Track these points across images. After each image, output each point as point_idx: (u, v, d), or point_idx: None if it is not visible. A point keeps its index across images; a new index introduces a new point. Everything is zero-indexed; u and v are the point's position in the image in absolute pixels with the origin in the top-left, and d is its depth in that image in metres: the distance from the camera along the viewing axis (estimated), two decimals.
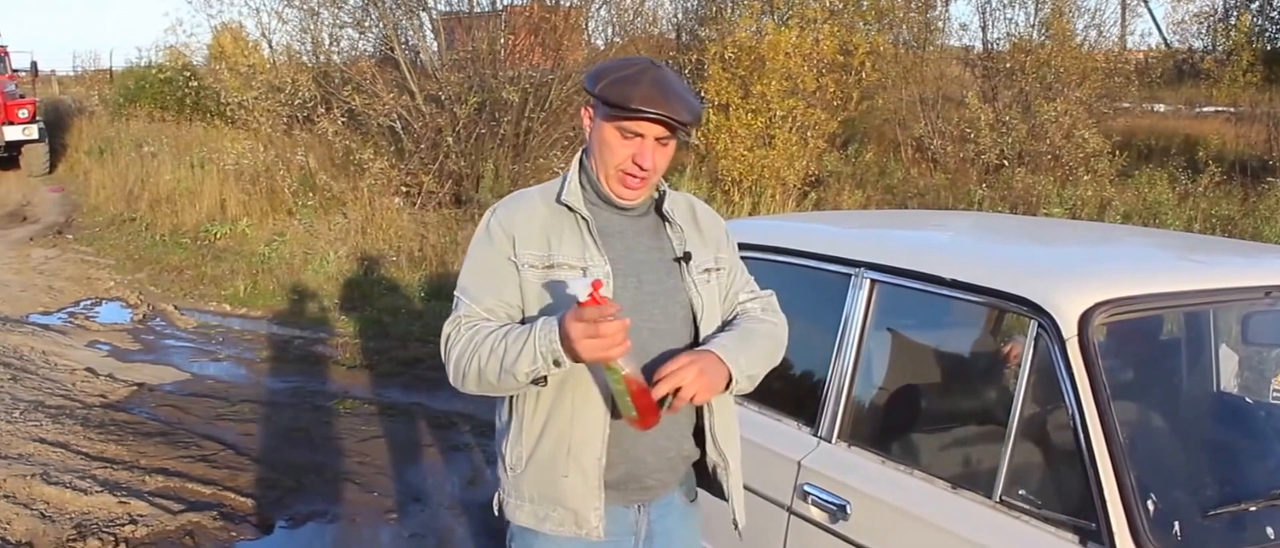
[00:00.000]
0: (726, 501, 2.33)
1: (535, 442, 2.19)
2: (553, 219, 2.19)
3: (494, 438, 2.40)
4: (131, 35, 76.12)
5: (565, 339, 1.96)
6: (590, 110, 2.20)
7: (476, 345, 2.10)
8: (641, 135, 2.13)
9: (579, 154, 2.27)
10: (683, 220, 2.29)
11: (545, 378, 2.06)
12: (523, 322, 2.16)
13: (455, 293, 2.23)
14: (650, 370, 2.09)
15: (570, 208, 2.19)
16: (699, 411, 2.26)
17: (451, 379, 2.18)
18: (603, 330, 1.91)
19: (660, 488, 2.29)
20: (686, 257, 2.24)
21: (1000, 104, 13.29)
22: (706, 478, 2.35)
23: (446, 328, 2.19)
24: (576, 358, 1.97)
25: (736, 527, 2.37)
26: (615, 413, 2.12)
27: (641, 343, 2.13)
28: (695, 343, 2.23)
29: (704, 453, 2.29)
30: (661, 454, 2.23)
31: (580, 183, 2.23)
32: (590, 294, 1.91)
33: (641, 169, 2.14)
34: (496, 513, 2.34)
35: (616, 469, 2.18)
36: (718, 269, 2.32)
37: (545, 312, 2.13)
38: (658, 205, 2.28)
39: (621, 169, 2.15)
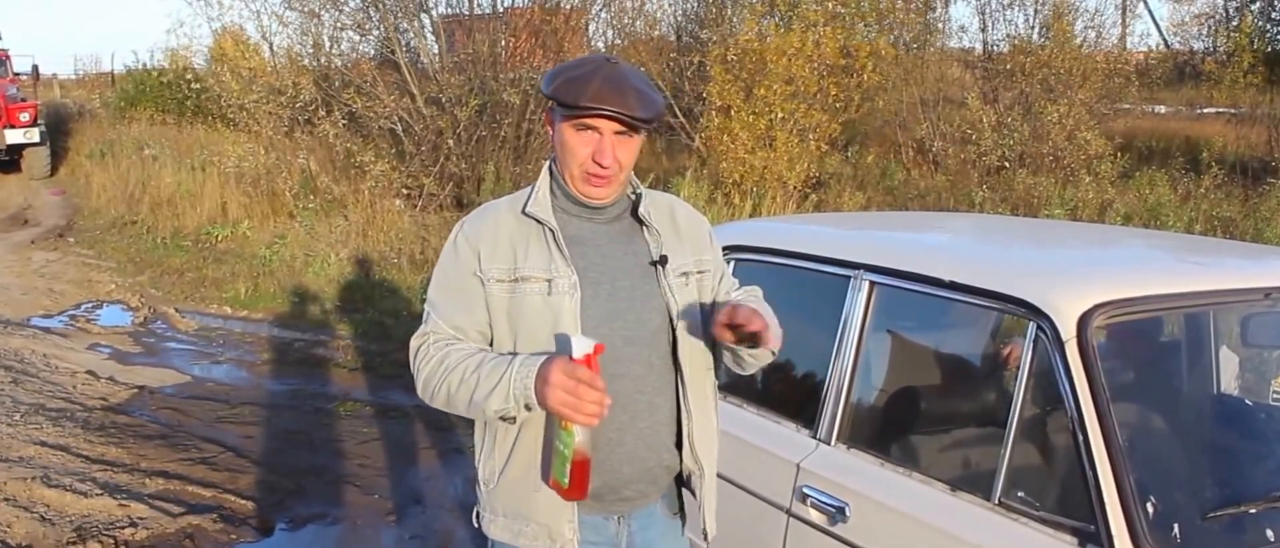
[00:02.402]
0: (700, 509, 2.30)
1: (507, 457, 2.16)
2: (520, 230, 2.15)
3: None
4: (133, 38, 76.24)
5: (541, 381, 1.92)
6: (550, 114, 2.16)
7: (448, 370, 2.07)
8: (598, 131, 2.08)
9: (548, 162, 2.23)
10: (660, 223, 2.23)
11: (514, 417, 2.04)
12: (492, 340, 2.14)
13: (425, 305, 2.21)
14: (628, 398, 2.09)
15: (537, 219, 2.14)
16: (678, 419, 2.22)
17: (419, 393, 2.15)
18: (583, 395, 1.88)
19: (640, 499, 2.24)
20: (663, 260, 2.19)
21: (1001, 105, 13.28)
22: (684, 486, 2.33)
23: (414, 342, 2.17)
24: (543, 404, 1.94)
25: (706, 537, 2.34)
26: (543, 473, 2.11)
27: (614, 351, 2.09)
28: (673, 349, 2.18)
29: (680, 461, 2.25)
30: (640, 465, 2.19)
31: (551, 191, 2.18)
32: (588, 355, 1.88)
33: (602, 167, 2.09)
34: (476, 526, 2.31)
35: (592, 482, 2.11)
36: (701, 273, 2.26)
37: (512, 326, 2.11)
38: (634, 208, 2.22)
39: (584, 169, 2.11)
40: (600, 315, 2.11)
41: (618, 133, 2.08)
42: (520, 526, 2.18)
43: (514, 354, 2.06)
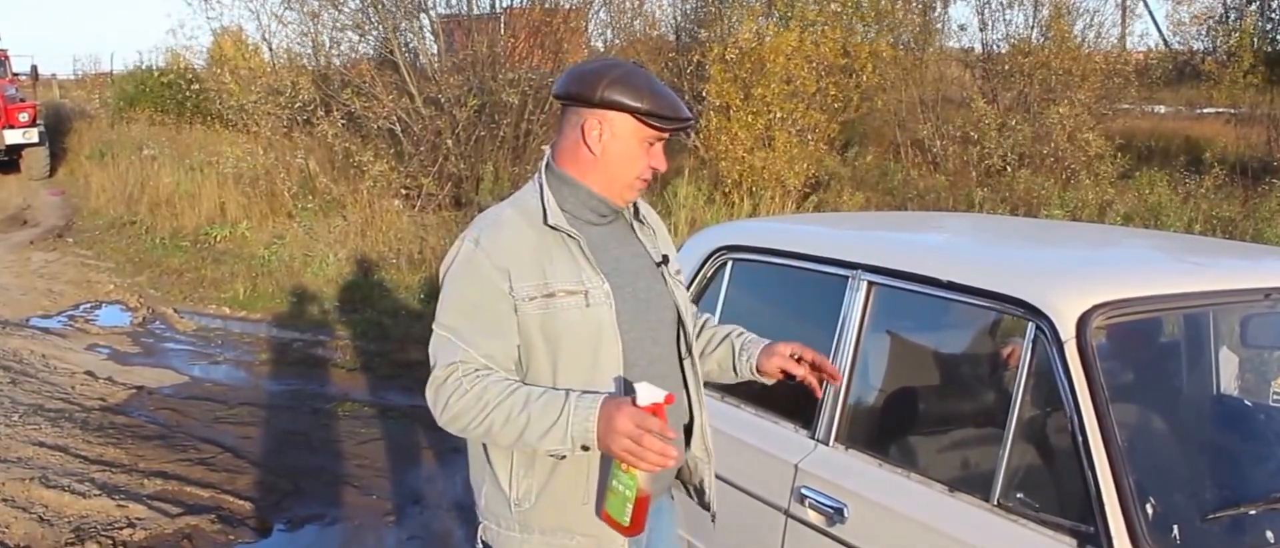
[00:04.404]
0: (704, 495, 2.34)
1: (549, 474, 2.10)
2: (541, 243, 2.08)
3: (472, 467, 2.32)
4: (132, 38, 76.31)
5: (605, 424, 1.90)
6: (600, 122, 2.10)
7: (487, 406, 1.99)
8: (663, 140, 2.16)
9: (544, 167, 2.19)
10: (654, 223, 2.31)
11: (565, 455, 2.01)
12: (524, 363, 2.10)
13: (440, 331, 2.08)
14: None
15: (558, 229, 2.10)
16: (690, 410, 2.27)
17: (441, 422, 2.06)
18: (650, 446, 1.86)
19: (659, 494, 2.29)
20: (665, 260, 2.25)
21: (1000, 106, 13.26)
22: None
23: (439, 372, 2.05)
24: (604, 446, 1.92)
25: (713, 519, 2.37)
26: (597, 508, 2.08)
27: (645, 352, 2.15)
28: (680, 347, 2.25)
29: (687, 452, 2.30)
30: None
31: (558, 198, 2.14)
32: (657, 405, 1.87)
33: (657, 173, 2.18)
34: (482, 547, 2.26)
35: None
36: (681, 269, 2.35)
37: (550, 345, 2.06)
38: (634, 210, 2.27)
39: (640, 177, 2.16)
40: (631, 319, 2.13)
41: None
42: (563, 540, 2.13)
43: (558, 389, 2.02)
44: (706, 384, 2.37)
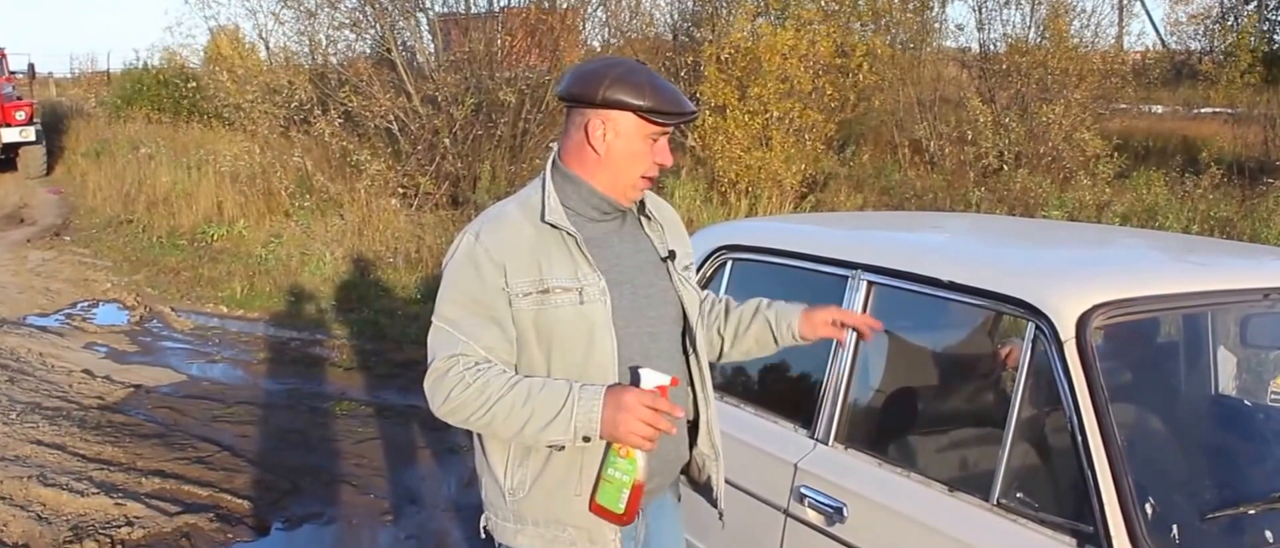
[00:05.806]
0: (712, 494, 2.35)
1: (542, 465, 2.13)
2: (539, 240, 2.11)
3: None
4: (129, 37, 76.21)
5: (613, 409, 1.95)
6: (604, 122, 2.12)
7: (490, 400, 2.01)
8: (667, 135, 2.17)
9: (551, 165, 2.20)
10: (662, 218, 2.31)
11: (564, 446, 2.06)
12: (517, 358, 2.12)
13: (439, 323, 2.11)
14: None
15: (558, 227, 2.11)
16: (696, 406, 2.28)
17: (439, 413, 2.08)
18: (659, 425, 1.94)
19: (658, 491, 2.30)
20: (671, 255, 2.25)
21: (997, 105, 13.27)
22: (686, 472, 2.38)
23: (440, 363, 2.06)
24: (610, 431, 1.97)
25: (721, 517, 2.37)
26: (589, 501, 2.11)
27: (642, 348, 2.15)
28: (685, 342, 2.25)
29: (693, 449, 2.31)
30: (666, 460, 2.23)
31: (561, 195, 2.16)
32: (662, 387, 1.94)
33: (665, 169, 2.19)
34: (484, 537, 2.28)
35: None
36: (691, 264, 2.35)
37: (543, 340, 2.09)
38: (639, 206, 2.27)
39: (646, 175, 2.17)
40: (627, 316, 2.14)
41: None
42: (556, 532, 2.16)
43: (557, 380, 2.05)
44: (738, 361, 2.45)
